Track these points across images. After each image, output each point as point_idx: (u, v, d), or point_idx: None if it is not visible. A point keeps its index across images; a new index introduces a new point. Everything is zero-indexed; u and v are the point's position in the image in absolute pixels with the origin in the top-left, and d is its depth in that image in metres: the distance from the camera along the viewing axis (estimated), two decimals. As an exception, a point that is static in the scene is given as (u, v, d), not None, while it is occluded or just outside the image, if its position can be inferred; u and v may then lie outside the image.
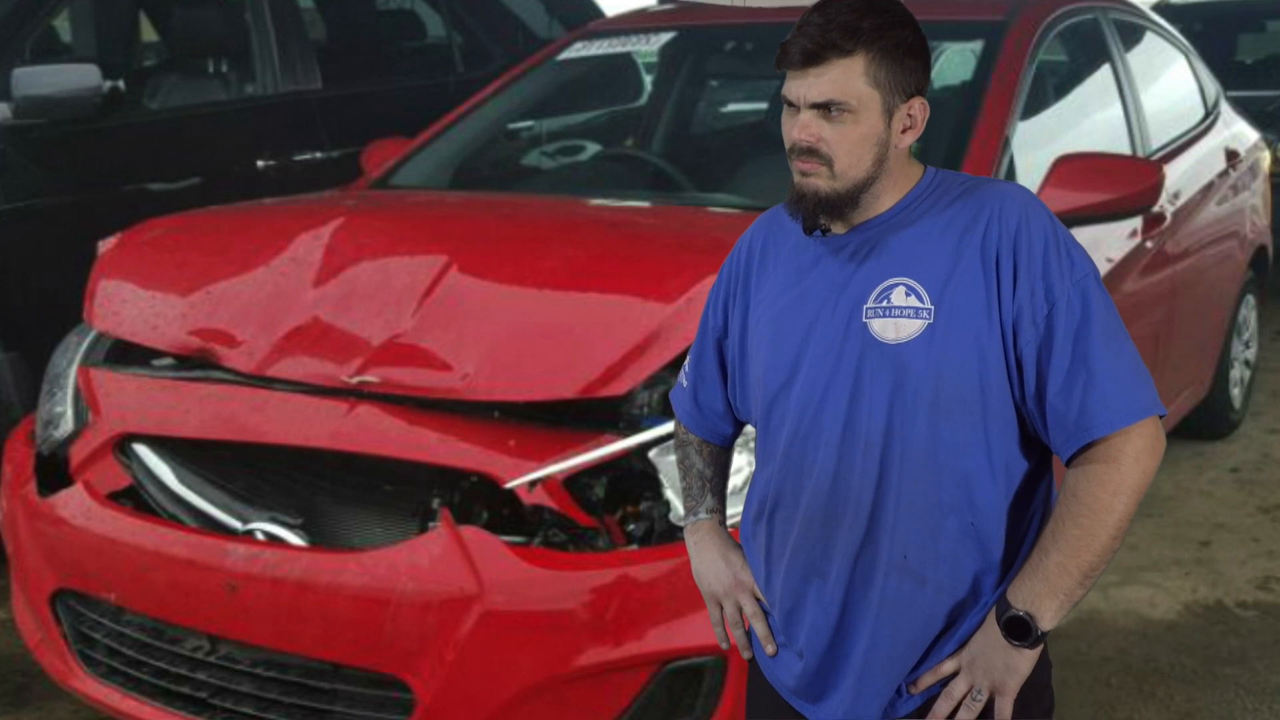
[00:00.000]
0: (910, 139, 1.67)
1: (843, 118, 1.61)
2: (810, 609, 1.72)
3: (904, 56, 1.63)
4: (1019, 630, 1.62)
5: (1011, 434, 1.64)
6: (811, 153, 1.62)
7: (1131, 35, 4.59)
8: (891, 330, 1.62)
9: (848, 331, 1.65)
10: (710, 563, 1.89)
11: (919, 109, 1.66)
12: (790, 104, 1.64)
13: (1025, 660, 1.64)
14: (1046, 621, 1.61)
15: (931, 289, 1.62)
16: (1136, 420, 1.58)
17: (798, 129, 1.62)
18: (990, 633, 1.65)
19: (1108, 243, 3.65)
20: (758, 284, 1.78)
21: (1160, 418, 1.62)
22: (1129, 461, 1.58)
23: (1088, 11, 4.20)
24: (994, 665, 1.65)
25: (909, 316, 1.62)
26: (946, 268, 1.62)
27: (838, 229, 1.70)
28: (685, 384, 1.92)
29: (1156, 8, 7.24)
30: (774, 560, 1.77)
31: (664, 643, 2.39)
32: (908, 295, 1.62)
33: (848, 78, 1.59)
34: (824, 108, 1.60)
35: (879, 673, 1.70)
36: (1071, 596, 1.61)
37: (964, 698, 1.67)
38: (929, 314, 1.61)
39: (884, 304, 1.63)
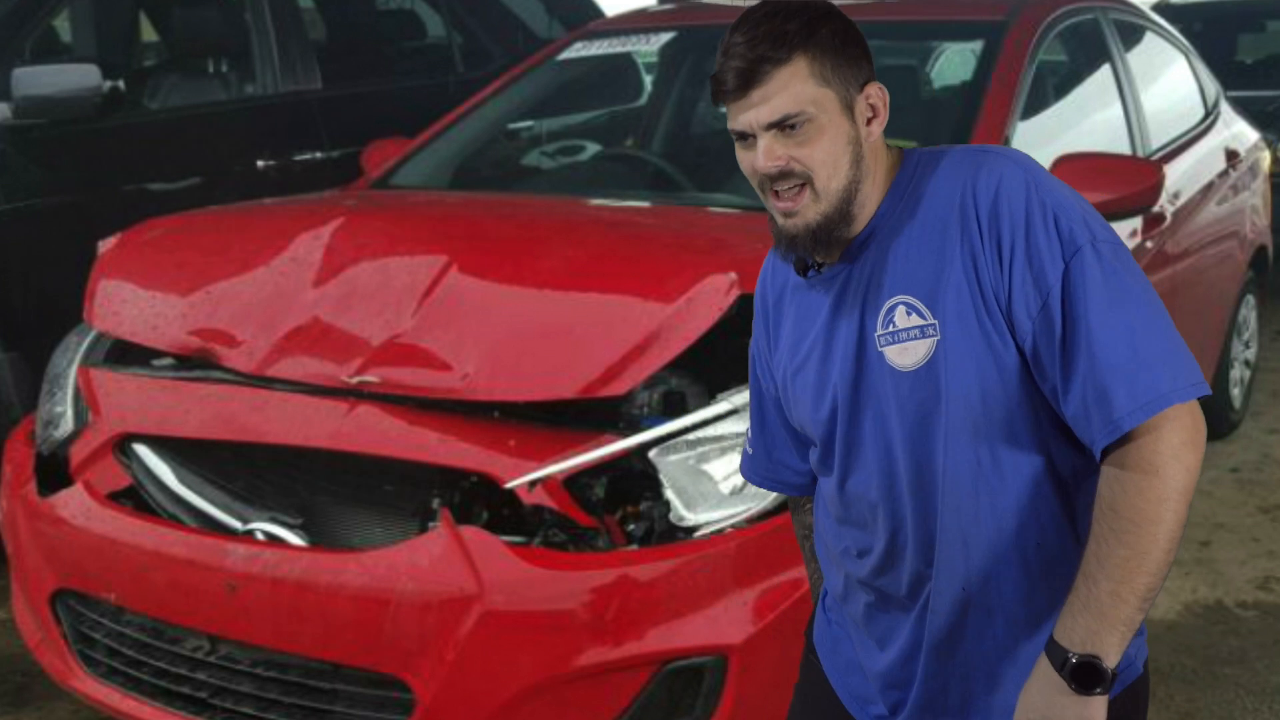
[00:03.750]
0: (878, 128, 1.54)
1: (805, 129, 1.48)
2: (888, 648, 1.66)
3: (843, 46, 1.50)
4: (1089, 677, 1.43)
5: (1057, 437, 1.49)
6: (785, 176, 1.50)
7: (1131, 35, 4.60)
8: (907, 356, 1.50)
9: (866, 365, 1.54)
10: None
11: (877, 93, 1.53)
12: (742, 136, 1.51)
13: (1100, 708, 1.45)
14: (1112, 659, 1.44)
15: (930, 300, 1.49)
16: (1160, 409, 1.40)
17: (762, 158, 1.49)
18: (1050, 684, 1.46)
19: (1108, 243, 3.64)
20: (776, 335, 1.69)
21: (1199, 399, 1.44)
22: (1167, 461, 1.40)
23: (1088, 11, 4.20)
24: (1054, 706, 1.46)
25: (915, 338, 1.49)
26: (937, 272, 1.49)
27: (830, 259, 1.58)
28: (751, 452, 1.81)
29: (1156, 8, 7.24)
30: (851, 601, 1.72)
31: (664, 643, 2.39)
32: (909, 314, 1.50)
33: (794, 85, 1.47)
34: (780, 126, 1.48)
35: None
36: (1132, 625, 1.44)
37: None
38: (934, 329, 1.48)
39: (890, 329, 1.51)
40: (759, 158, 1.50)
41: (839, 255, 1.58)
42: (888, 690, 1.70)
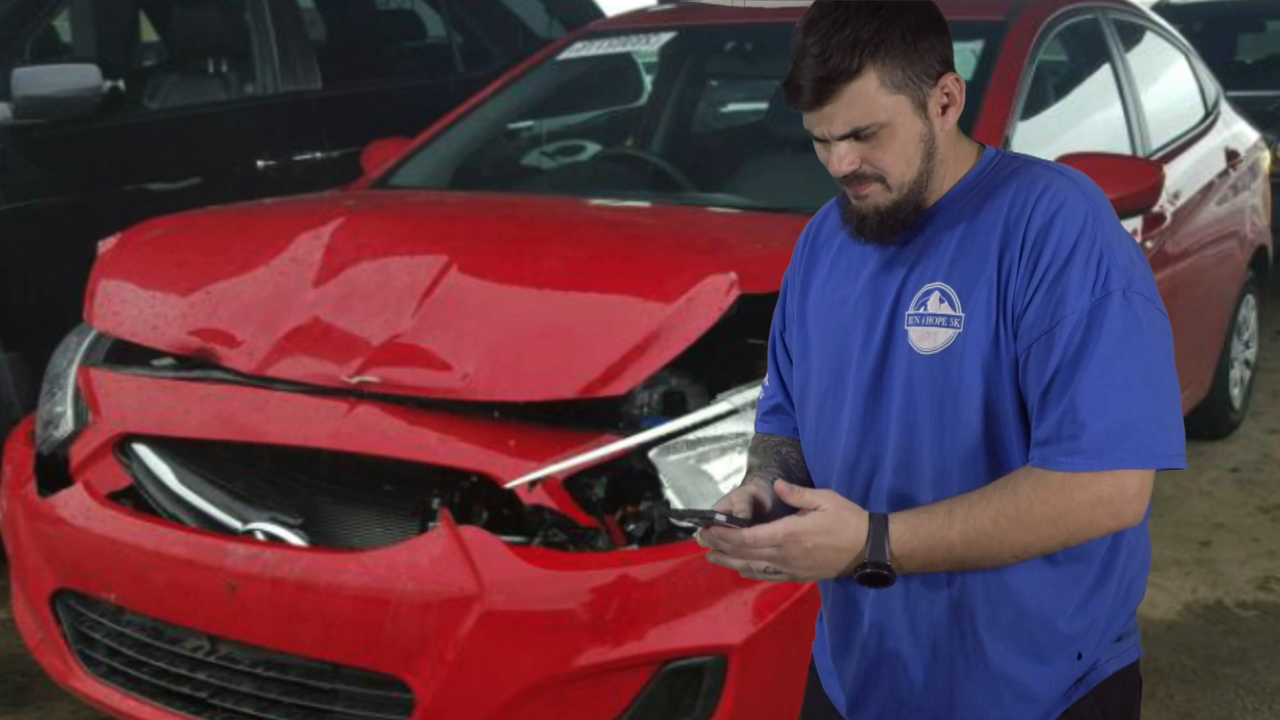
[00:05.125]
0: (954, 116, 1.55)
1: (878, 134, 1.50)
2: (857, 642, 1.67)
3: (916, 42, 1.49)
4: (875, 580, 1.47)
5: None
6: (860, 177, 1.53)
7: (1131, 35, 4.60)
8: (928, 340, 1.52)
9: (892, 339, 1.56)
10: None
11: (953, 83, 1.53)
12: (818, 139, 1.54)
13: (836, 575, 1.50)
14: (897, 571, 1.48)
15: (964, 294, 1.51)
16: (1120, 469, 1.43)
17: (836, 161, 1.52)
18: (843, 539, 1.46)
19: (1108, 243, 3.65)
20: (810, 272, 1.70)
21: (1157, 470, 1.47)
22: (1083, 504, 1.44)
23: (1088, 11, 4.20)
24: (820, 568, 1.48)
25: (941, 325, 1.52)
26: (977, 271, 1.51)
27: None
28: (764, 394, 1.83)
29: (1156, 8, 7.24)
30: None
31: (664, 643, 2.39)
32: (941, 302, 1.52)
33: (865, 98, 1.48)
34: (853, 135, 1.50)
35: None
36: (931, 569, 1.50)
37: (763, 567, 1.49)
38: (959, 323, 1.51)
39: (922, 311, 1.54)
40: (834, 161, 1.53)
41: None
42: (841, 665, 1.72)
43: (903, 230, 1.57)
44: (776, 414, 1.80)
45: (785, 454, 1.74)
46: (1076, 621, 1.58)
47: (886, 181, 1.53)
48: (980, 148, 1.62)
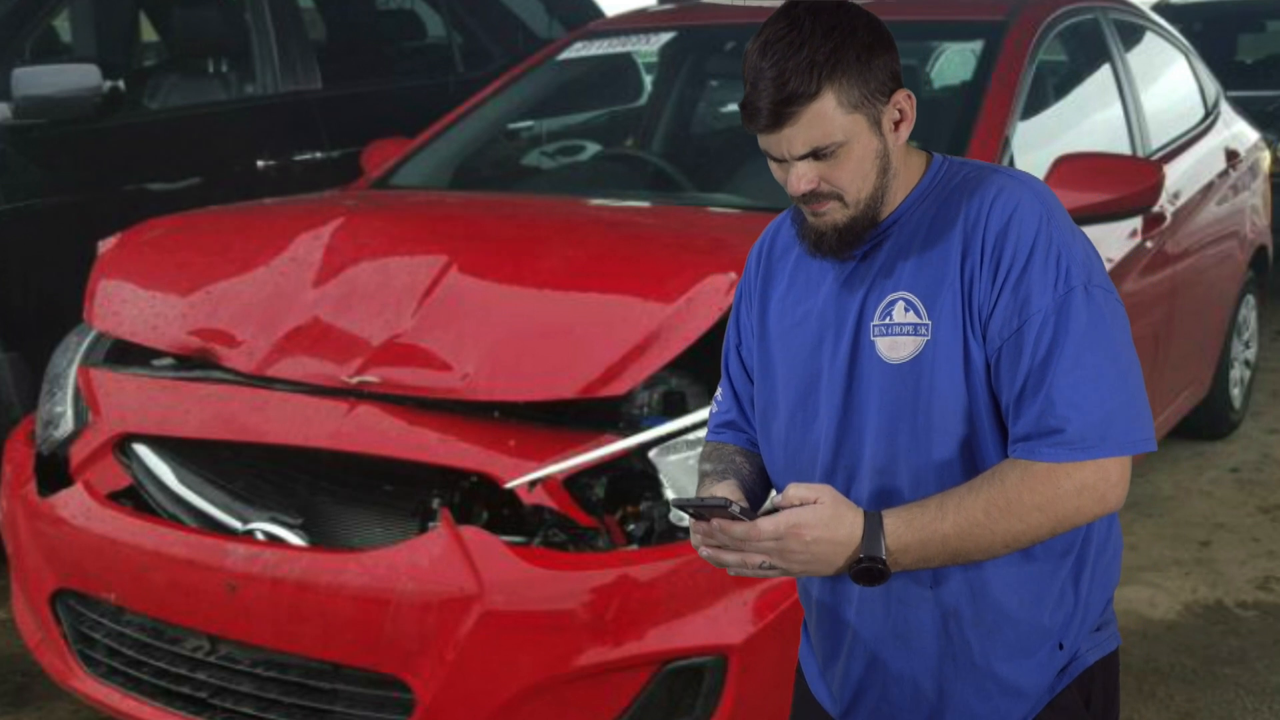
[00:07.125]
0: (906, 131, 1.57)
1: (837, 153, 1.51)
2: (844, 649, 1.68)
3: (869, 61, 1.50)
4: (867, 573, 1.48)
5: None
6: (818, 195, 1.54)
7: (1131, 35, 4.60)
8: (897, 350, 1.54)
9: (859, 351, 1.57)
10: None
11: (904, 100, 1.55)
12: (774, 158, 1.54)
13: (832, 571, 1.50)
14: (894, 568, 1.49)
15: (929, 302, 1.53)
16: (1100, 456, 1.47)
17: (794, 181, 1.53)
18: (841, 533, 1.47)
19: (1108, 243, 3.65)
20: (768, 288, 1.71)
21: (1136, 455, 1.50)
22: (1069, 491, 1.47)
23: (1088, 11, 4.20)
24: (816, 563, 1.48)
25: (908, 334, 1.54)
26: (939, 278, 1.53)
27: None
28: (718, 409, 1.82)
29: (1156, 8, 7.24)
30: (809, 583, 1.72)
31: (664, 643, 2.39)
32: (906, 311, 1.55)
33: (824, 119, 1.48)
34: (812, 155, 1.51)
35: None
36: (925, 564, 1.51)
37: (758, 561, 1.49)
38: (927, 330, 1.53)
39: (887, 321, 1.56)
40: (791, 180, 1.54)
41: None
42: (829, 674, 1.73)
43: (861, 244, 1.59)
44: (730, 429, 1.80)
45: (739, 463, 1.74)
46: (1057, 614, 1.61)
47: (844, 199, 1.54)
48: (928, 156, 1.63)
